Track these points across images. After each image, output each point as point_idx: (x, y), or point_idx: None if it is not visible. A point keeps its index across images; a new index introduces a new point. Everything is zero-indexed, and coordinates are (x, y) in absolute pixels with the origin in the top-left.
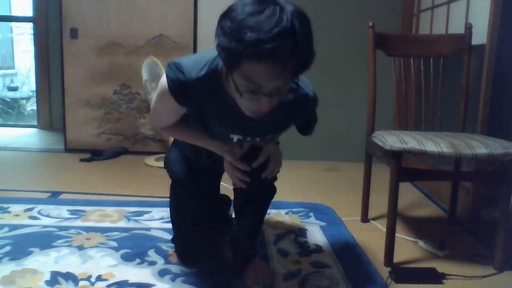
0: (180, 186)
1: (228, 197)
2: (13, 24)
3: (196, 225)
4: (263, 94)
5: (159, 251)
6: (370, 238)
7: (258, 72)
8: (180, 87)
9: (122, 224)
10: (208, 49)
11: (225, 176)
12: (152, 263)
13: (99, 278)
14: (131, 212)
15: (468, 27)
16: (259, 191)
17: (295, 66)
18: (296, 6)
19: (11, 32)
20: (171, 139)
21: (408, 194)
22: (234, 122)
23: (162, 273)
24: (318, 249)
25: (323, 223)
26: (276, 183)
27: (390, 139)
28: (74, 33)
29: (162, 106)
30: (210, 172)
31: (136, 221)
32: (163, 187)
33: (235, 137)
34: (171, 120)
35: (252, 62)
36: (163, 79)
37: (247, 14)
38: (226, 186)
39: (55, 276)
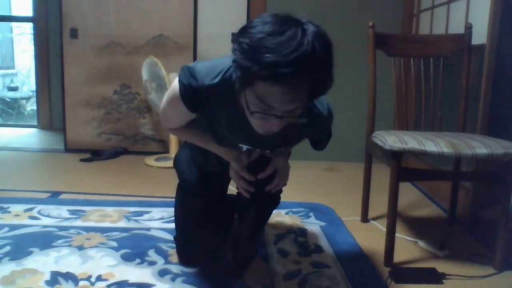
0: (187, 188)
1: (235, 197)
2: (13, 24)
3: (200, 226)
4: (274, 115)
5: (159, 251)
6: (370, 238)
7: (271, 93)
8: (191, 93)
9: (122, 224)
10: (225, 56)
11: None
12: (152, 263)
13: (99, 278)
14: (131, 212)
15: (468, 27)
16: (262, 201)
17: (311, 91)
18: (319, 28)
19: (11, 32)
20: (171, 140)
21: (408, 194)
22: (244, 134)
23: (162, 273)
24: (318, 249)
25: (323, 223)
26: None
27: (390, 139)
28: (74, 33)
29: (171, 109)
30: (218, 175)
31: (136, 221)
32: (163, 187)
33: (244, 147)
34: (180, 123)
35: (266, 83)
36: (175, 83)
37: (267, 34)
38: (231, 188)
39: (55, 276)
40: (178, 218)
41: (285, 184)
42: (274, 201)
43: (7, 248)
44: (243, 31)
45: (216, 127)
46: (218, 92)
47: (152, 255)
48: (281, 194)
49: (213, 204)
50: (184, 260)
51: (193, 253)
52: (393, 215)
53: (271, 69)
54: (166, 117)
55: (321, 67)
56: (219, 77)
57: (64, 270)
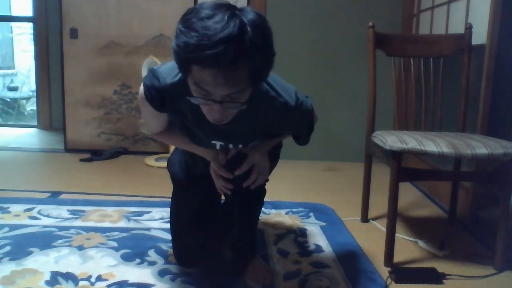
0: (179, 189)
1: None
2: (13, 24)
3: (194, 227)
4: (213, 100)
5: (159, 251)
6: (370, 238)
7: (204, 77)
8: (155, 93)
9: (122, 224)
10: None
11: None
12: (152, 263)
13: (99, 278)
14: (131, 212)
15: (468, 27)
16: (245, 197)
17: (245, 74)
18: (258, 15)
19: (11, 32)
20: None
21: (408, 194)
22: (212, 128)
23: (162, 273)
24: (318, 249)
25: (323, 223)
26: (276, 183)
27: (390, 139)
28: (74, 33)
29: (144, 112)
30: (208, 178)
31: (136, 221)
32: (163, 187)
33: (217, 144)
34: (158, 125)
35: (199, 67)
36: (141, 86)
37: (198, 18)
38: None
39: (55, 276)
40: (172, 220)
41: (267, 180)
42: (257, 199)
43: (7, 248)
44: (181, 18)
45: (187, 125)
46: (180, 89)
47: (152, 255)
48: (265, 190)
49: (205, 204)
50: (180, 261)
51: (188, 254)
52: (393, 215)
53: (198, 52)
54: (145, 121)
55: (250, 49)
56: (179, 75)
57: (64, 270)
